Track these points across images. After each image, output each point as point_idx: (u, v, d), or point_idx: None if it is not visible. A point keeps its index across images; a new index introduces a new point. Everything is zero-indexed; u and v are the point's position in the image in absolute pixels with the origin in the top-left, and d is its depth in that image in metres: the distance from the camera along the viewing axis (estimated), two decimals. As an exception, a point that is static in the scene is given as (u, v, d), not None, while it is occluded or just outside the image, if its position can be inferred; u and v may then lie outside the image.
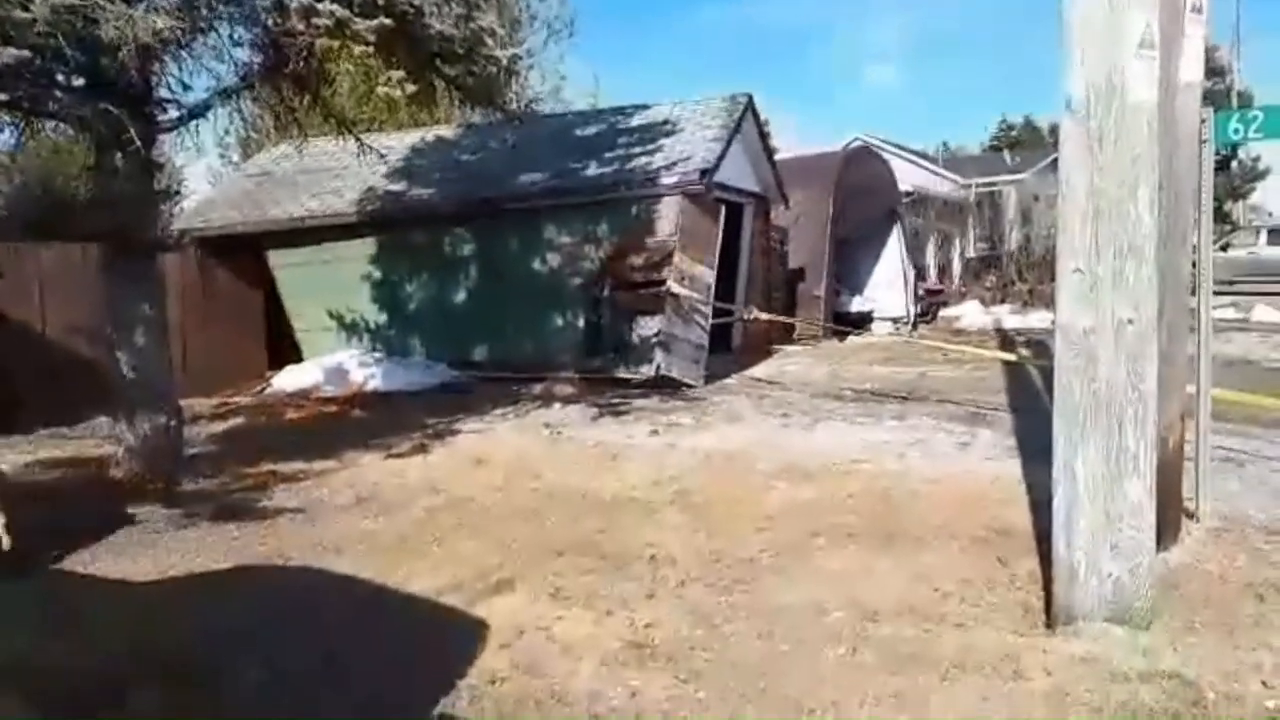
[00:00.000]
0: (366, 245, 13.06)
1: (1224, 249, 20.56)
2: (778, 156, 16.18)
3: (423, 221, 12.80)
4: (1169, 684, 3.42)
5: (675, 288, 11.57)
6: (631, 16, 69.37)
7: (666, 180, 11.80)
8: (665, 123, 13.18)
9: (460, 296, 12.73)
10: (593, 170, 12.42)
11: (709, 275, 12.20)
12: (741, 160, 14.12)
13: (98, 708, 3.27)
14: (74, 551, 5.47)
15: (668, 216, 11.74)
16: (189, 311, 12.14)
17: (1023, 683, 3.49)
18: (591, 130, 13.81)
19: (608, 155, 12.68)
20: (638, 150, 12.56)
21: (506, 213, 12.41)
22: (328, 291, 13.10)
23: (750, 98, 13.69)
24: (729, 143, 12.55)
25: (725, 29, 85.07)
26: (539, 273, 12.30)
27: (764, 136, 15.02)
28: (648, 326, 11.60)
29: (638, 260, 11.79)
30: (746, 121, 13.60)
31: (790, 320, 15.86)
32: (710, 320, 12.28)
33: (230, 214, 13.91)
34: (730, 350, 14.51)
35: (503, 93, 8.19)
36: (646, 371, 11.40)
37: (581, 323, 12.13)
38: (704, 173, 11.67)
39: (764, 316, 14.02)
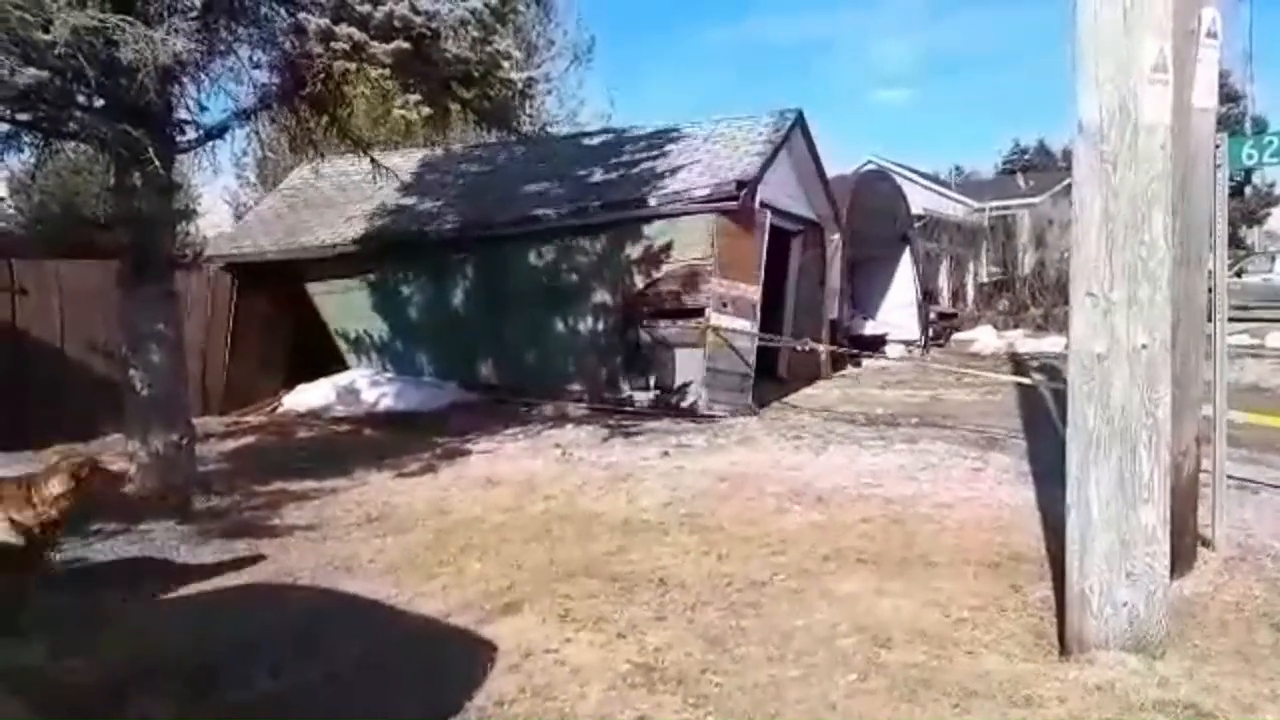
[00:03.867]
0: (389, 268, 12.99)
1: (1238, 274, 20.43)
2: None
3: (442, 243, 12.63)
4: (1184, 714, 3.38)
5: (716, 318, 11.16)
6: (639, 41, 69.80)
7: (700, 194, 11.29)
8: (703, 140, 12.71)
9: (476, 318, 12.59)
10: (621, 189, 12.07)
11: (753, 294, 11.63)
12: (791, 182, 13.43)
13: (101, 717, 3.27)
14: (86, 566, 5.49)
15: (704, 235, 11.24)
16: (213, 332, 12.28)
17: (1035, 711, 3.45)
18: (621, 149, 13.39)
19: (636, 174, 12.35)
20: (669, 168, 12.18)
21: (530, 234, 12.14)
22: (354, 313, 13.11)
23: (800, 113, 12.93)
24: (772, 157, 11.96)
25: (732, 52, 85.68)
26: (561, 295, 12.06)
27: (816, 158, 13.99)
28: (688, 359, 11.23)
29: (673, 285, 11.38)
30: (795, 139, 12.94)
31: (840, 350, 15.07)
32: (756, 343, 11.72)
33: (261, 240, 13.79)
34: (776, 379, 13.91)
35: (518, 116, 8.25)
36: (692, 406, 11.04)
37: (603, 348, 11.86)
38: (740, 184, 11.16)
39: (821, 348, 13.61)
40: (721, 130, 12.91)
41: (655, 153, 12.81)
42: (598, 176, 12.64)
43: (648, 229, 11.57)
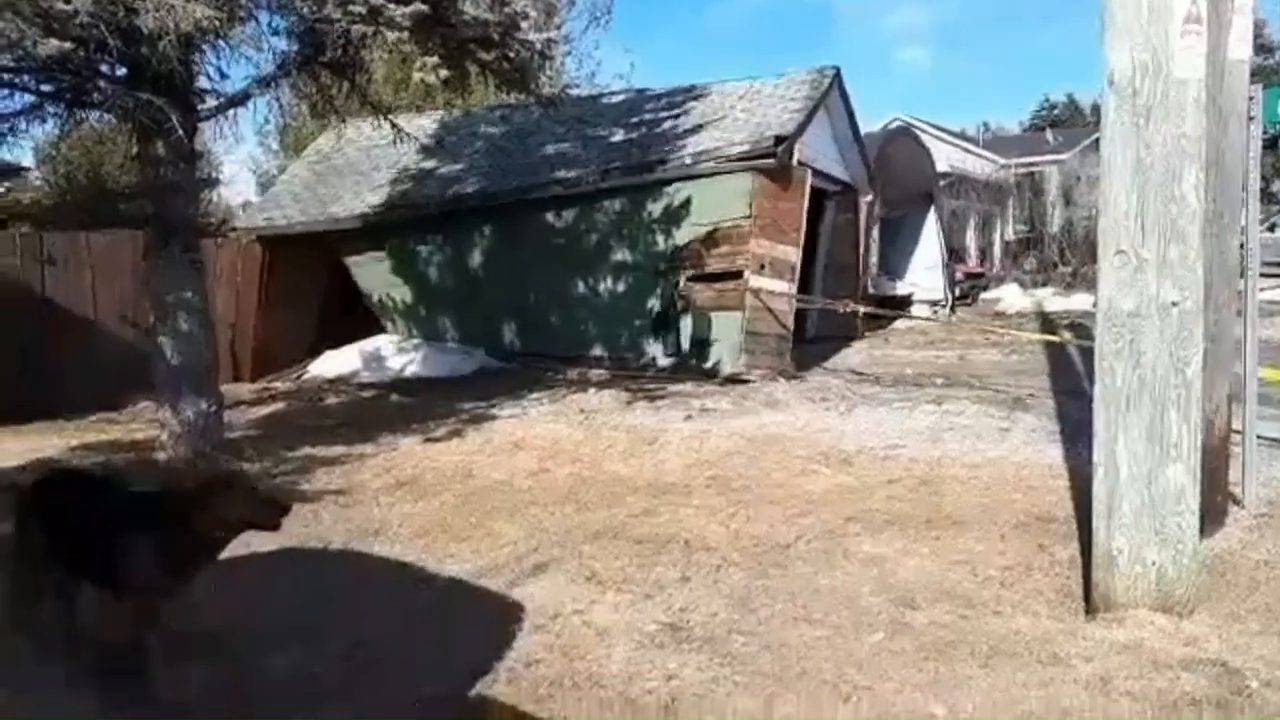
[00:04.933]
0: (415, 235, 12.91)
1: (1271, 229, 20.07)
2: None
3: (467, 209, 12.47)
4: (1212, 671, 3.37)
5: (755, 280, 10.85)
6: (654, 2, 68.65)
7: (737, 151, 10.90)
8: (738, 99, 12.32)
9: (503, 283, 12.45)
10: (651, 149, 11.76)
11: (793, 255, 11.28)
12: (828, 142, 13.06)
13: (138, 684, 3.34)
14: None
15: (742, 194, 10.89)
16: (243, 300, 12.38)
17: (1062, 669, 3.46)
18: (646, 109, 13.08)
19: (666, 132, 12.05)
20: (702, 125, 11.85)
21: (557, 198, 11.93)
22: (381, 280, 13.10)
23: (838, 71, 12.45)
24: (812, 113, 11.56)
25: (752, 10, 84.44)
26: (591, 259, 11.89)
27: (853, 117, 13.50)
28: (725, 322, 11.01)
29: (710, 246, 11.10)
30: (833, 98, 12.53)
31: (873, 312, 14.53)
32: (794, 305, 11.45)
33: (290, 210, 13.67)
34: (804, 340, 13.74)
35: (537, 77, 8.18)
36: (724, 370, 10.86)
37: (634, 313, 11.68)
38: (779, 140, 10.76)
39: (861, 309, 13.33)
40: (757, 88, 12.56)
41: (685, 111, 12.46)
42: (624, 137, 12.36)
43: (681, 188, 11.26)
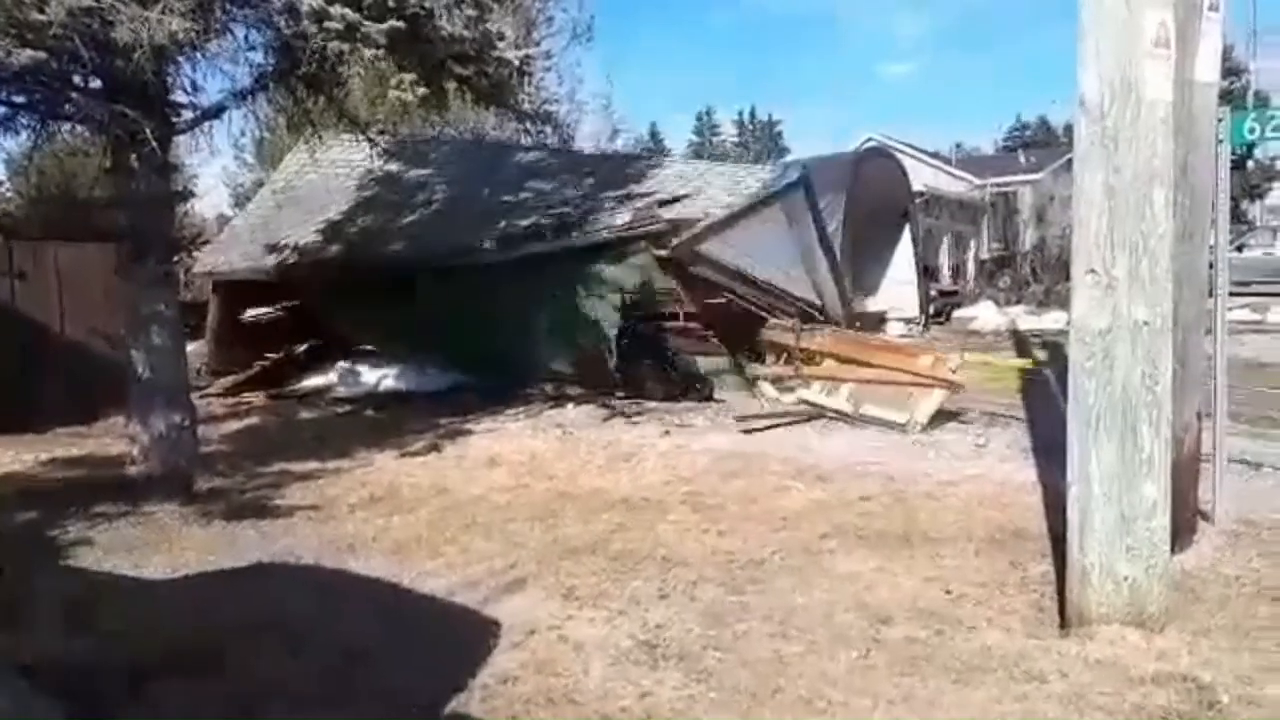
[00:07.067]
0: (372, 267, 12.02)
1: (1240, 249, 20.40)
2: (790, 157, 14.71)
3: (430, 251, 11.71)
4: (1184, 687, 3.40)
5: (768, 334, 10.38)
6: (636, 15, 69.09)
7: (620, 222, 10.32)
8: (699, 175, 11.73)
9: (461, 315, 11.45)
10: (583, 215, 11.09)
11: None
12: (790, 258, 11.30)
13: (118, 701, 3.30)
14: (90, 550, 5.51)
15: (645, 269, 10.22)
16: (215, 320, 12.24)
17: (1036, 685, 3.48)
18: (610, 172, 12.38)
19: (608, 197, 11.35)
20: (632, 196, 11.16)
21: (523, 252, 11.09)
22: (350, 308, 12.51)
23: (806, 172, 11.31)
24: (749, 208, 10.55)
25: (732, 26, 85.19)
26: (549, 297, 11.14)
27: (824, 233, 11.87)
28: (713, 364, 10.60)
29: (661, 304, 10.66)
30: (794, 203, 11.20)
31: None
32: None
33: (241, 252, 13.15)
34: None
35: (514, 94, 8.18)
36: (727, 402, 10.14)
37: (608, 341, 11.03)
38: (665, 203, 10.27)
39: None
40: (721, 170, 12.21)
41: (636, 177, 11.96)
42: (570, 197, 11.70)
43: (596, 258, 10.67)
